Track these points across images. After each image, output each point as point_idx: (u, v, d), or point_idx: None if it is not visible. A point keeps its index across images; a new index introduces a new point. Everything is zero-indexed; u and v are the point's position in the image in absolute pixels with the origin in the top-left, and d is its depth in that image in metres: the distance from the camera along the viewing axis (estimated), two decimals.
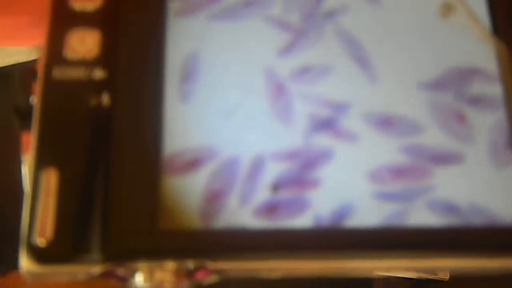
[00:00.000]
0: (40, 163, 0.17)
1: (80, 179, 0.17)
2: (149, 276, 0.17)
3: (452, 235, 0.17)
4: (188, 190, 0.17)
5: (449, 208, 0.17)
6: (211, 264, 0.17)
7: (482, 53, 0.19)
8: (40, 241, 0.16)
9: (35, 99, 0.18)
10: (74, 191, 0.17)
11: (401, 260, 0.17)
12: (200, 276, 0.18)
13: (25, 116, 0.19)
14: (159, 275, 0.17)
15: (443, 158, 0.18)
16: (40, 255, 0.16)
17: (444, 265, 0.18)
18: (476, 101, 0.19)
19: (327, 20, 0.19)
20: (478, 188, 0.18)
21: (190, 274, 0.17)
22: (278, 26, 0.19)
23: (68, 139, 0.17)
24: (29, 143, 0.18)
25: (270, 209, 0.17)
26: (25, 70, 0.20)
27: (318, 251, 0.17)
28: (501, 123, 0.18)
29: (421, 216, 0.17)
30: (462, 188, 0.18)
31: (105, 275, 0.17)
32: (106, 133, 0.17)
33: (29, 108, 0.19)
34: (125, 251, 0.16)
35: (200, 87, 0.18)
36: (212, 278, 0.18)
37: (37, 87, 0.18)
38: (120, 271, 0.17)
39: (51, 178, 0.17)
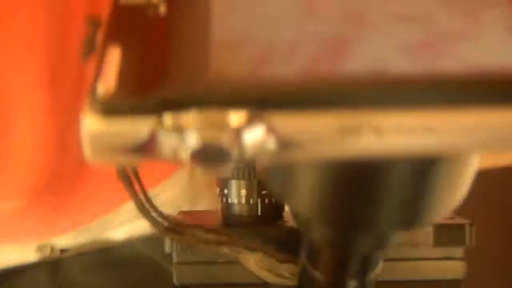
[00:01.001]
0: (107, 41, 0.19)
1: (140, 49, 0.19)
2: (201, 125, 0.18)
3: (480, 77, 0.18)
4: (236, 58, 0.19)
5: (475, 63, 0.19)
6: (262, 115, 0.18)
7: None
8: (103, 87, 0.18)
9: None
10: (135, 57, 0.19)
11: (431, 109, 0.18)
12: (253, 134, 0.18)
13: (90, 45, 0.22)
14: (211, 125, 0.18)
15: (463, 36, 0.20)
16: (102, 102, 0.18)
17: (470, 119, 0.18)
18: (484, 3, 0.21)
19: None
20: (498, 53, 0.19)
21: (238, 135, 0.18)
22: None
23: (130, 28, 0.20)
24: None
25: (313, 69, 0.19)
26: (93, 19, 0.23)
27: (359, 91, 0.18)
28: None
29: (451, 69, 0.19)
30: (484, 52, 0.19)
31: (159, 135, 0.18)
32: (163, 28, 0.20)
33: (94, 41, 0.22)
34: (177, 94, 0.18)
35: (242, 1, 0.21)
36: (259, 144, 0.18)
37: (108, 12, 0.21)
38: (172, 131, 0.18)
39: (116, 50, 0.19)
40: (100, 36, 0.21)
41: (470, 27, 0.20)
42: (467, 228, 0.37)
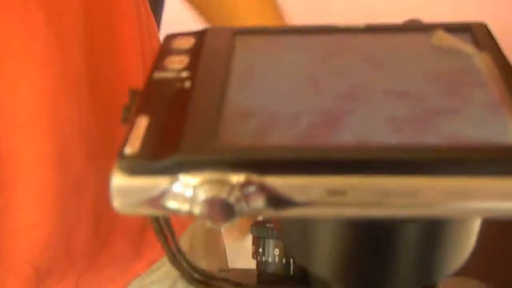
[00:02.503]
0: (138, 112, 0.23)
1: (163, 119, 0.23)
2: (209, 184, 0.21)
3: (460, 150, 0.21)
4: (242, 125, 0.22)
5: (458, 136, 0.21)
6: (260, 177, 0.21)
7: (471, 63, 0.25)
8: (129, 150, 0.21)
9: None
10: (158, 126, 0.22)
11: (418, 176, 0.20)
12: (251, 193, 0.21)
13: (127, 111, 0.25)
14: (217, 184, 0.21)
15: (447, 111, 0.22)
16: (127, 162, 0.21)
17: (456, 185, 0.20)
18: (470, 84, 0.24)
19: (349, 50, 0.26)
20: (480, 128, 0.22)
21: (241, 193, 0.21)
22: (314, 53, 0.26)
23: (159, 100, 0.24)
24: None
25: (308, 137, 0.22)
26: (133, 90, 0.27)
27: (346, 160, 0.21)
28: (492, 95, 0.23)
29: (434, 141, 0.21)
30: (467, 127, 0.22)
31: (173, 191, 0.21)
32: (185, 98, 0.24)
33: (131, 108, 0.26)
34: (190, 157, 0.21)
35: (254, 80, 0.25)
36: (261, 200, 0.21)
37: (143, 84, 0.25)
38: (185, 185, 0.21)
39: (143, 120, 0.23)
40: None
41: (453, 104, 0.23)
42: None
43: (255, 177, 0.21)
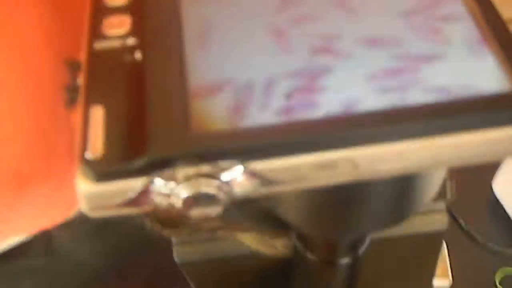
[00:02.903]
0: (89, 103, 0.20)
1: (122, 110, 0.20)
2: (189, 179, 0.19)
3: (447, 105, 0.19)
4: (214, 106, 0.20)
5: (440, 89, 0.20)
6: (244, 164, 0.19)
7: None
8: (92, 154, 0.19)
9: (81, 74, 0.22)
10: (117, 120, 0.20)
11: (406, 141, 0.19)
12: (235, 181, 0.19)
13: (73, 91, 0.22)
14: (198, 178, 0.19)
15: (428, 58, 0.21)
16: (92, 168, 0.19)
17: (443, 144, 0.19)
18: (447, 18, 0.22)
19: None
20: (462, 73, 0.20)
21: (224, 182, 0.19)
22: None
23: (110, 84, 0.21)
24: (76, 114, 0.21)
25: (287, 110, 0.20)
26: (71, 62, 0.23)
27: (333, 136, 0.19)
28: (472, 28, 0.22)
29: (418, 99, 0.20)
30: (449, 75, 0.20)
31: (149, 191, 0.19)
32: (141, 78, 0.21)
33: (76, 87, 0.22)
34: (164, 154, 0.19)
35: (213, 39, 0.22)
36: (246, 186, 0.20)
37: (83, 58, 0.22)
38: (162, 186, 0.19)
39: (98, 112, 0.20)
40: (80, 85, 0.21)
41: (435, 48, 0.21)
42: (448, 183, 0.39)
43: (236, 164, 0.19)
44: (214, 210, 0.20)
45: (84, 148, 0.19)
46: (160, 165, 0.19)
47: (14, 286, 0.55)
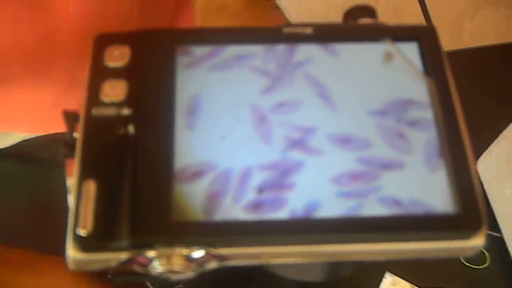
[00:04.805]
0: (82, 177, 0.22)
1: (112, 188, 0.22)
2: (165, 260, 0.22)
3: (396, 220, 0.22)
4: (194, 193, 0.22)
5: (394, 202, 0.23)
6: (213, 250, 0.22)
7: (416, 88, 0.25)
8: (83, 231, 0.21)
9: (78, 133, 0.24)
10: (107, 197, 0.22)
11: (357, 244, 0.22)
12: (204, 261, 0.23)
13: (69, 147, 0.24)
14: (172, 260, 0.22)
15: (389, 166, 0.23)
16: (82, 243, 0.22)
17: (391, 248, 0.23)
18: (413, 123, 0.24)
19: (297, 68, 0.25)
20: (416, 187, 0.23)
21: (196, 259, 0.22)
22: (260, 73, 0.25)
23: (103, 158, 0.23)
24: (72, 167, 0.24)
25: (257, 206, 0.22)
26: (70, 113, 0.26)
27: (294, 236, 0.22)
28: (433, 139, 0.24)
29: (373, 209, 0.22)
30: (404, 187, 0.23)
31: (129, 262, 0.23)
32: (132, 154, 0.23)
33: (73, 140, 0.25)
34: (146, 239, 0.22)
35: (202, 119, 0.24)
36: (213, 264, 0.23)
37: (80, 122, 0.24)
38: (141, 259, 0.22)
39: (90, 188, 0.22)
40: (77, 140, 0.24)
41: (396, 155, 0.23)
42: None
43: (207, 249, 0.22)
44: (181, 277, 0.23)
45: (76, 224, 0.22)
46: (141, 246, 0.22)
47: None
